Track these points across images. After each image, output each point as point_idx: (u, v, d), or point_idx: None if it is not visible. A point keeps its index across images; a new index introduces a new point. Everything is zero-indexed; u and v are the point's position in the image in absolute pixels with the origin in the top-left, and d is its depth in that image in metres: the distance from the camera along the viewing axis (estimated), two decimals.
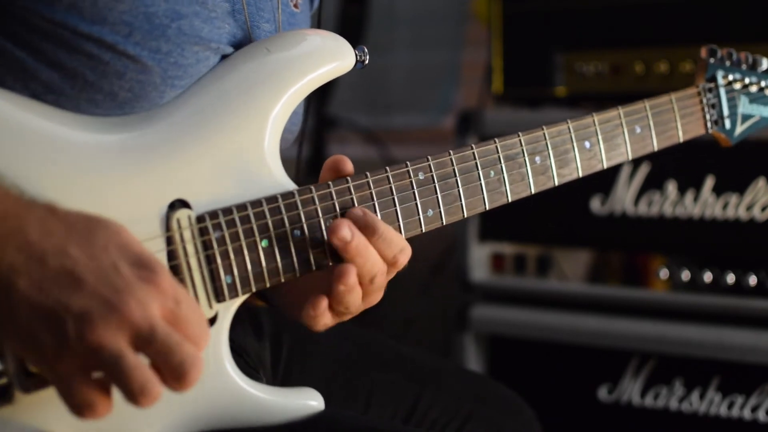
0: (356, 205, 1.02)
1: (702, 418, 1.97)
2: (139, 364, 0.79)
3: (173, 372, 0.81)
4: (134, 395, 0.79)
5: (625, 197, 2.03)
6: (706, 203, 1.96)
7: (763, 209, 1.91)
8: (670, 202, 1.99)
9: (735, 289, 1.95)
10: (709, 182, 1.96)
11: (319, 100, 2.71)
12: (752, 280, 1.93)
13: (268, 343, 1.30)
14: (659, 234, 2.01)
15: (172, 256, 0.94)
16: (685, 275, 1.99)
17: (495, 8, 2.18)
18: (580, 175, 1.22)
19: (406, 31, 2.97)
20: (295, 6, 1.18)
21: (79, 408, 0.80)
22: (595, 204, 2.05)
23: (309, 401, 1.04)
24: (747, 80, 1.36)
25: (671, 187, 1.99)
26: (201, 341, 0.84)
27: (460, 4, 2.86)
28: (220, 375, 0.99)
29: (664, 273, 2.02)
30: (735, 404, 1.94)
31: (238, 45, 1.06)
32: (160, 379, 0.81)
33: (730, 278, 1.95)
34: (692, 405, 1.98)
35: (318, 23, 1.30)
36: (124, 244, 0.83)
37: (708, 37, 1.98)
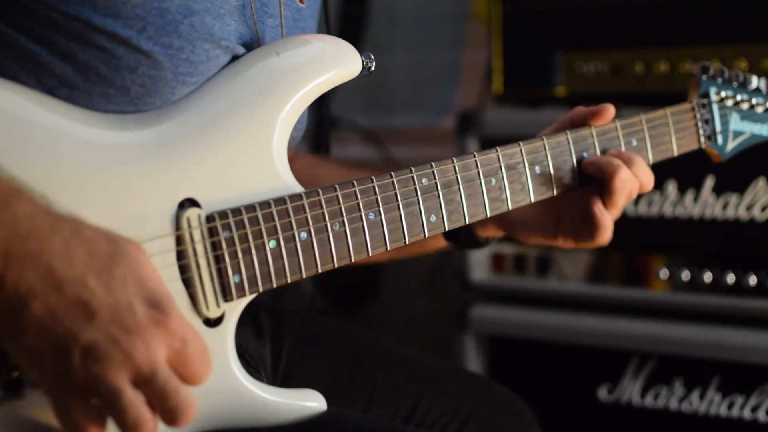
0: (362, 209, 1.04)
1: (702, 418, 1.97)
2: (136, 401, 0.82)
3: (166, 414, 0.84)
4: (126, 429, 0.83)
5: None
6: (706, 203, 1.96)
7: (763, 209, 1.91)
8: (670, 202, 1.99)
9: (735, 289, 1.95)
10: (709, 182, 1.96)
11: (319, 100, 2.71)
12: (752, 280, 1.93)
13: (268, 343, 1.31)
14: (659, 234, 2.01)
15: (181, 255, 0.94)
16: (685, 275, 1.99)
17: (495, 8, 2.17)
18: (579, 186, 1.24)
19: (406, 31, 2.96)
20: (301, 1, 1.19)
21: (70, 428, 0.83)
22: None
23: (311, 402, 1.05)
24: (738, 97, 1.39)
25: (671, 187, 1.99)
26: (203, 377, 0.87)
27: (460, 4, 2.85)
28: (225, 375, 0.99)
29: (664, 273, 2.02)
30: (735, 404, 1.94)
31: (246, 43, 1.07)
32: (153, 414, 0.84)
33: (730, 278, 1.95)
34: (692, 405, 1.98)
35: (326, 22, 1.31)
36: (142, 279, 0.85)
37: (708, 37, 1.99)
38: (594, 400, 2.08)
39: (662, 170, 1.98)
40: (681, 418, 1.99)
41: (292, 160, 1.07)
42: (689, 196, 1.98)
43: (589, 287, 2.10)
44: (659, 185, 2.00)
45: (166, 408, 0.84)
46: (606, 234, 1.23)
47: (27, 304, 0.80)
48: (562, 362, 2.11)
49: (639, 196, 2.01)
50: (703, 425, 1.97)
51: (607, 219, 1.22)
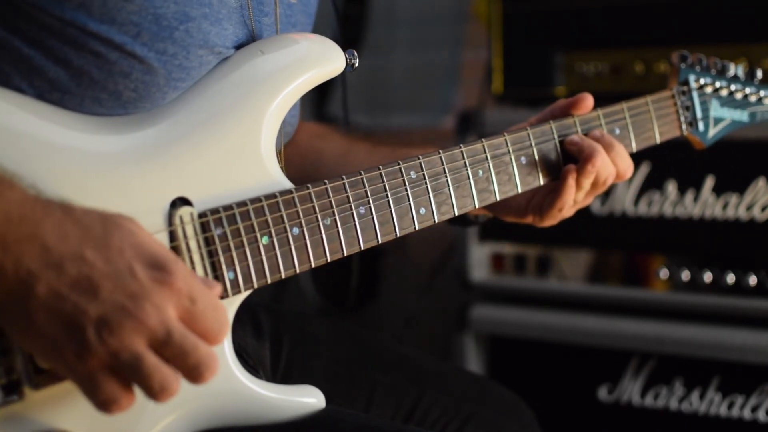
0: (352, 202, 1.04)
1: (702, 418, 1.97)
2: (158, 364, 0.82)
3: (189, 372, 0.84)
4: (154, 393, 0.82)
5: (625, 197, 2.03)
6: (706, 203, 1.96)
7: (763, 209, 1.91)
8: (670, 202, 1.99)
9: (735, 289, 1.94)
10: (709, 182, 1.96)
11: (319, 100, 2.71)
12: (752, 280, 1.93)
13: (267, 343, 1.31)
14: (659, 234, 2.01)
15: (175, 251, 0.95)
16: (685, 275, 1.99)
17: (495, 8, 2.18)
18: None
19: (406, 31, 2.96)
20: None
21: (105, 404, 0.83)
22: (595, 204, 2.05)
23: (309, 399, 1.05)
24: (717, 84, 1.41)
25: (671, 187, 1.99)
26: (219, 335, 0.87)
27: (460, 4, 2.85)
28: (223, 372, 0.99)
29: (664, 273, 2.02)
30: (735, 404, 1.94)
31: (241, 44, 1.08)
32: (178, 374, 0.84)
33: (730, 278, 1.95)
34: (692, 405, 1.98)
35: (335, 13, 1.32)
36: (139, 244, 0.85)
37: (708, 37, 1.99)
38: (594, 400, 2.08)
39: (662, 170, 1.99)
40: (681, 418, 1.99)
41: (296, 131, 1.06)
42: (689, 196, 1.97)
43: (589, 287, 2.10)
44: (659, 185, 2.00)
45: (188, 365, 0.83)
46: (565, 205, 1.24)
47: (30, 288, 0.81)
48: (562, 362, 2.11)
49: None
50: (703, 425, 1.97)
51: (572, 191, 1.23)
